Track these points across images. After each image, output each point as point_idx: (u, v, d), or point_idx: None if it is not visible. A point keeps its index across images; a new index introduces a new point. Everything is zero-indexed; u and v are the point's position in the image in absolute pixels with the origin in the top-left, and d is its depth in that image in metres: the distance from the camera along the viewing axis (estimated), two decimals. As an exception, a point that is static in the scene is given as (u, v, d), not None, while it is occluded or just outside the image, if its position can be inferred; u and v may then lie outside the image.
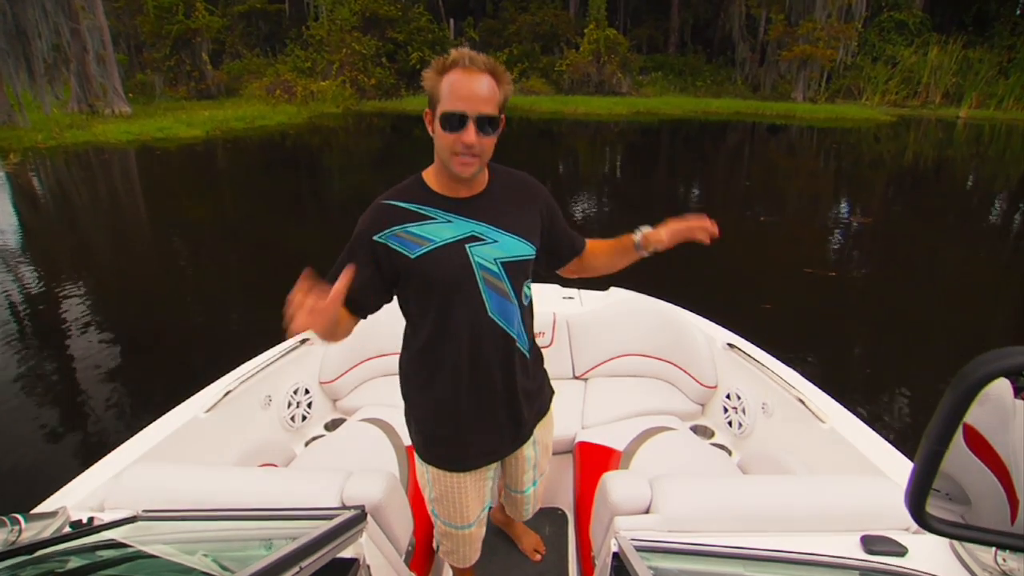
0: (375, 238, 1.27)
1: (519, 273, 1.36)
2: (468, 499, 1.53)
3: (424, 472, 1.54)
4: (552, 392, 1.65)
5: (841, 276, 6.52)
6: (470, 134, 1.17)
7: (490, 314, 1.33)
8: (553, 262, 1.56)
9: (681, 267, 6.85)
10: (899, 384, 4.17)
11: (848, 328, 5.20)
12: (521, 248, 1.35)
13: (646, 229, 1.47)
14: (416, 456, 1.55)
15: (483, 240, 1.30)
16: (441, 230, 1.28)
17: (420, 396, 1.45)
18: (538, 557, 2.13)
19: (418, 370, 1.42)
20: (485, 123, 1.18)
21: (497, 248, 1.31)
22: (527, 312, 1.43)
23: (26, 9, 16.44)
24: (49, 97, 18.07)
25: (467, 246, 1.29)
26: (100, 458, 1.64)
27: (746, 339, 2.51)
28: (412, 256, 1.27)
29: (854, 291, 6.20)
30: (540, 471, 1.72)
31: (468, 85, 1.16)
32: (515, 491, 1.73)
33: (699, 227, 1.43)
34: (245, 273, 6.81)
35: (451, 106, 1.16)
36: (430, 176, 1.33)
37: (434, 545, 1.67)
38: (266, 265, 6.89)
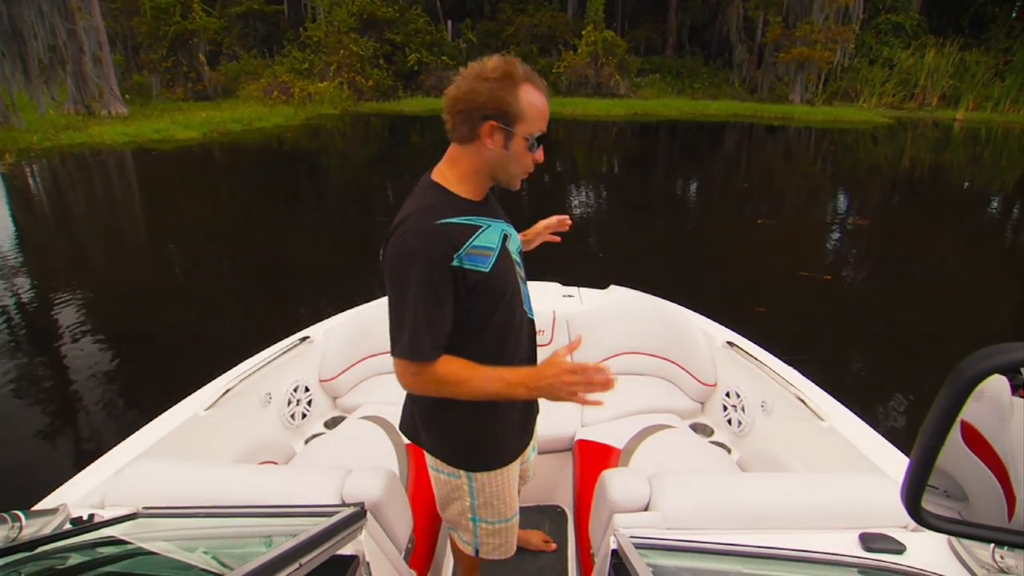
0: (453, 264, 1.17)
1: (523, 259, 1.45)
2: (513, 489, 1.54)
3: (461, 484, 1.46)
4: None
5: (837, 279, 6.54)
6: (541, 153, 1.23)
7: (525, 307, 1.39)
8: None
9: (677, 267, 6.87)
10: (895, 387, 4.18)
11: (843, 331, 5.21)
12: (518, 235, 1.44)
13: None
14: (447, 471, 1.47)
15: (510, 237, 1.34)
16: (491, 236, 1.25)
17: (467, 410, 1.33)
18: (554, 547, 2.17)
19: None
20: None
21: (515, 240, 1.37)
22: None
23: (22, 10, 16.37)
24: (45, 98, 17.99)
25: (507, 245, 1.31)
26: (96, 457, 1.64)
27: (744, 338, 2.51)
28: (487, 270, 1.21)
29: (850, 294, 6.21)
30: (535, 436, 1.75)
31: (547, 106, 1.20)
32: (521, 463, 1.72)
33: (548, 227, 1.72)
34: (239, 274, 6.80)
35: (538, 128, 1.19)
36: (452, 183, 1.25)
37: (472, 552, 1.62)
38: (260, 266, 6.89)
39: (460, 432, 1.40)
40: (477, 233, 1.22)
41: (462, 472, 1.44)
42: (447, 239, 1.16)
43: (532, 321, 1.45)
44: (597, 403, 1.16)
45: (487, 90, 1.14)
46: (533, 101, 1.16)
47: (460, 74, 1.19)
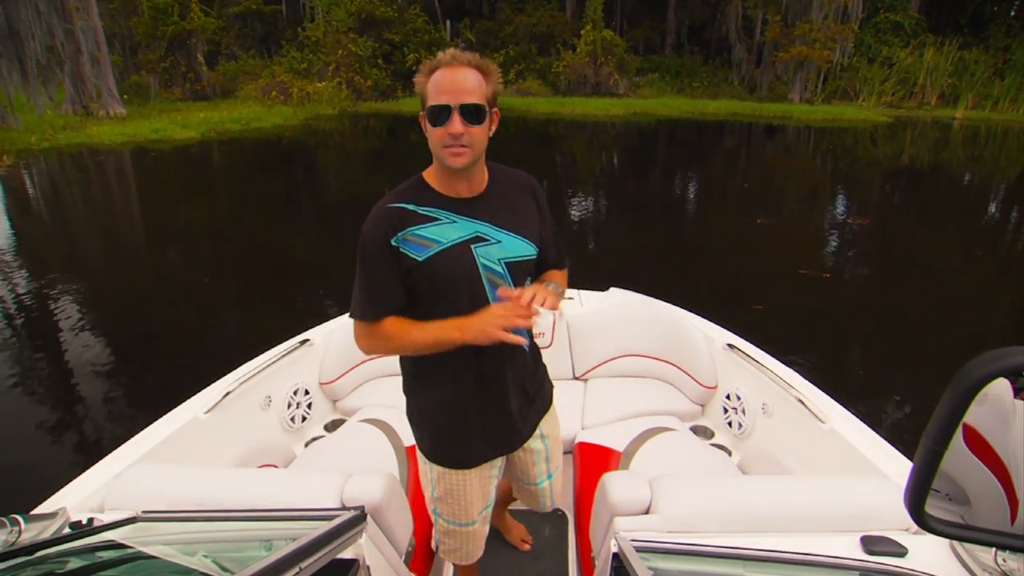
0: (392, 243, 1.27)
1: (522, 273, 1.40)
2: (472, 496, 1.54)
3: (428, 471, 1.54)
4: (552, 387, 1.67)
5: (836, 277, 6.54)
6: (456, 125, 1.20)
7: None
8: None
9: (677, 266, 6.87)
10: (894, 386, 4.18)
11: (841, 329, 5.21)
12: (524, 248, 1.38)
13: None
14: (419, 455, 1.54)
15: (487, 240, 1.33)
16: (447, 231, 1.29)
17: (425, 394, 1.46)
18: (527, 547, 2.13)
19: (423, 369, 1.43)
20: (470, 112, 1.21)
21: (501, 248, 1.34)
22: None
23: (19, 9, 16.32)
24: (43, 99, 17.93)
25: (472, 247, 1.31)
26: (94, 459, 1.64)
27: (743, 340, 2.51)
28: (420, 259, 1.27)
29: (848, 292, 6.22)
30: (554, 465, 1.72)
31: (450, 78, 1.21)
32: (528, 483, 1.72)
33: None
34: (238, 273, 6.79)
35: (434, 100, 1.21)
36: (431, 177, 1.34)
37: (433, 545, 1.66)
38: (259, 265, 6.88)
39: (421, 419, 1.49)
40: (429, 224, 1.29)
41: (425, 459, 1.54)
42: (388, 220, 1.28)
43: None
44: (519, 341, 1.24)
45: (416, 84, 1.26)
46: (436, 80, 1.21)
47: None
